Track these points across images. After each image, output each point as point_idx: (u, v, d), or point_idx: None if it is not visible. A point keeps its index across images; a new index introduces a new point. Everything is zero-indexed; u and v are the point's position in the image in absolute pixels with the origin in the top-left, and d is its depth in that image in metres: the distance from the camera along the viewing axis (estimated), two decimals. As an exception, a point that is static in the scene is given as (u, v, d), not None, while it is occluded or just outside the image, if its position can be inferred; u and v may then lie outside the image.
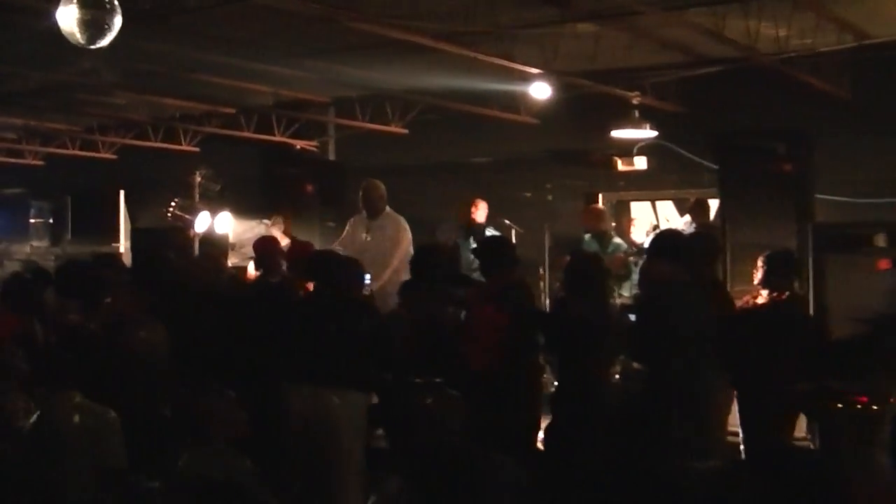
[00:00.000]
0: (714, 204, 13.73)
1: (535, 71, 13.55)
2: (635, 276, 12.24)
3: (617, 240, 13.83)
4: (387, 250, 11.63)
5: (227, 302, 9.29)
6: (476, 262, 13.07)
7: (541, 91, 14.46)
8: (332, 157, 19.36)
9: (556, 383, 8.52)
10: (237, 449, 5.88)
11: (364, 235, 11.90)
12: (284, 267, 10.12)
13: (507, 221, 14.80)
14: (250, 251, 10.91)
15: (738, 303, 9.12)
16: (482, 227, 14.29)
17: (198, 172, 15.22)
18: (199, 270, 9.62)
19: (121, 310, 9.25)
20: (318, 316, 8.36)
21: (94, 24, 8.15)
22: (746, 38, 12.21)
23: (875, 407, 7.37)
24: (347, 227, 12.44)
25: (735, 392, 8.90)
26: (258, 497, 5.75)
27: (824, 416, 8.18)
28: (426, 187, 18.20)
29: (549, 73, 13.71)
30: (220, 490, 5.53)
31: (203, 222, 14.41)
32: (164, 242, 14.36)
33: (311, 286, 9.02)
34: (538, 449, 8.31)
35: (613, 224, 15.76)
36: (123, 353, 8.88)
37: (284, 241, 12.62)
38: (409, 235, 11.93)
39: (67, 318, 9.43)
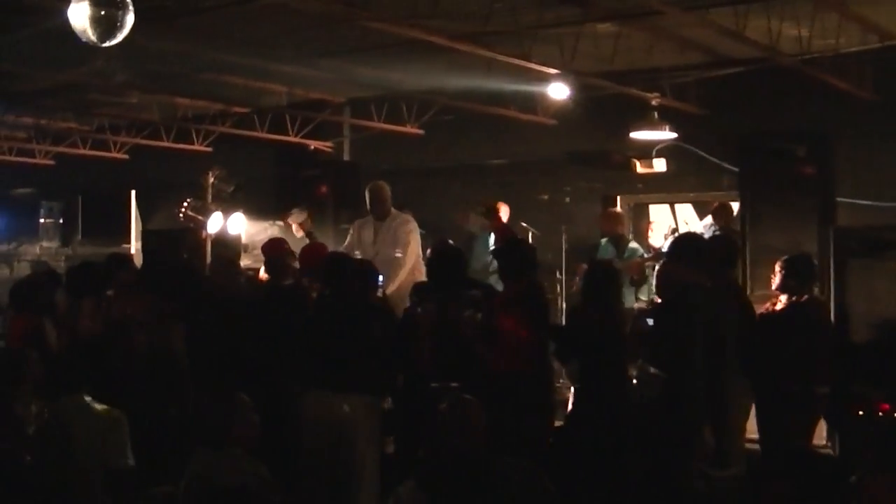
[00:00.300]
0: (734, 207, 13.72)
1: (553, 71, 13.56)
2: (652, 280, 12.26)
3: (633, 244, 13.84)
4: (396, 252, 11.61)
5: (241, 305, 9.33)
6: (494, 264, 13.15)
7: (559, 91, 14.48)
8: (346, 157, 19.37)
9: (571, 389, 8.54)
10: (250, 454, 5.91)
11: (372, 238, 11.89)
12: (297, 268, 10.16)
13: (523, 224, 14.82)
14: (263, 253, 10.93)
15: (759, 309, 9.13)
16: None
17: (210, 173, 15.23)
18: (213, 273, 9.65)
19: (129, 312, 9.30)
20: (332, 320, 8.39)
21: (105, 21, 8.18)
22: (768, 38, 12.21)
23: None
24: (352, 231, 12.41)
25: (754, 397, 8.92)
26: (271, 502, 5.79)
27: (846, 423, 8.21)
28: (442, 189, 18.23)
29: (568, 73, 13.72)
30: (232, 495, 5.57)
31: (216, 223, 14.43)
32: (176, 244, 14.41)
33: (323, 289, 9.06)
34: (551, 453, 8.32)
35: (631, 228, 15.78)
36: (127, 355, 8.97)
37: (300, 235, 12.66)
38: (418, 235, 11.93)
39: (77, 320, 9.48)
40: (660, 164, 16.15)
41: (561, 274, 14.28)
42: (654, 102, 14.76)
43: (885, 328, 8.83)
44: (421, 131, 17.62)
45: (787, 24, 12.05)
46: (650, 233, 14.15)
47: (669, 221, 15.55)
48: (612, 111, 15.82)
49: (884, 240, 10.16)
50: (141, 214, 19.29)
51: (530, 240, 14.31)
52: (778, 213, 11.44)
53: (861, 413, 8.29)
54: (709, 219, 13.80)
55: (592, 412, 8.00)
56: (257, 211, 16.41)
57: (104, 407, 6.92)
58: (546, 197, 17.49)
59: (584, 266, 13.13)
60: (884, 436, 6.77)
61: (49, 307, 10.13)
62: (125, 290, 9.60)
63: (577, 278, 12.16)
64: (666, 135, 15.29)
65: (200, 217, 14.53)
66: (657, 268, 8.80)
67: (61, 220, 22.63)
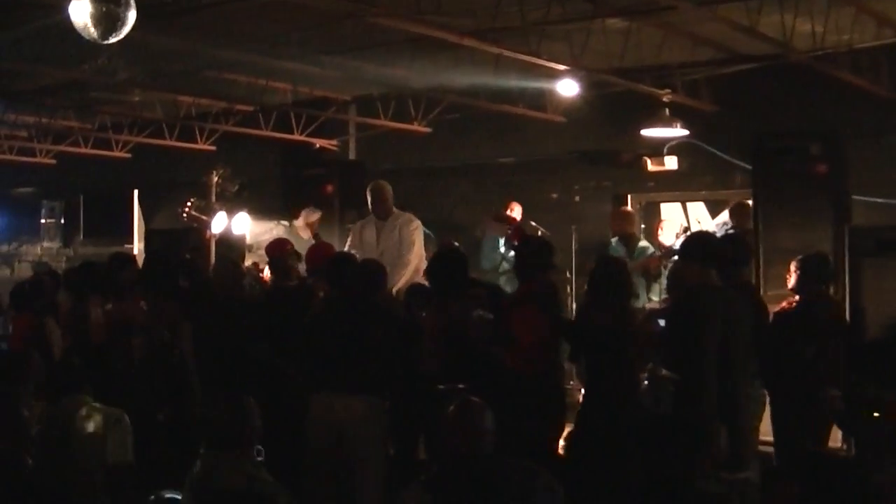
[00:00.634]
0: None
1: (562, 68, 13.56)
2: (664, 280, 12.26)
3: (643, 243, 13.85)
4: (401, 252, 11.60)
5: (244, 306, 9.34)
6: (504, 264, 13.15)
7: (568, 88, 14.49)
8: (352, 156, 19.38)
9: (582, 391, 8.53)
10: (253, 457, 5.91)
11: (375, 238, 11.86)
12: (302, 269, 10.17)
13: (532, 223, 14.83)
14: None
15: (773, 309, 9.12)
16: (514, 229, 14.39)
17: (214, 172, 15.28)
18: (216, 274, 9.67)
19: (130, 313, 9.32)
20: (336, 321, 8.40)
21: (107, 18, 8.20)
22: (781, 33, 12.20)
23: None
24: (353, 232, 12.38)
25: (768, 398, 8.92)
26: (275, 505, 5.80)
27: (860, 425, 8.19)
28: (449, 188, 18.25)
29: (578, 70, 13.72)
30: (236, 498, 5.58)
31: (220, 223, 14.47)
32: (180, 244, 14.44)
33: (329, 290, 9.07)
34: (562, 455, 8.33)
35: (643, 226, 15.77)
36: (128, 357, 8.99)
37: (306, 236, 12.67)
38: (423, 235, 11.92)
39: (82, 321, 9.51)
40: (671, 162, 16.15)
41: (571, 274, 14.27)
42: (665, 99, 14.75)
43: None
44: (427, 129, 17.62)
45: (801, 20, 12.04)
46: (660, 231, 14.14)
47: (681, 220, 15.52)
48: (622, 108, 15.82)
49: (899, 239, 10.17)
50: (144, 214, 19.31)
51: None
52: (791, 211, 11.42)
53: (876, 415, 8.28)
54: (721, 217, 13.80)
55: (599, 414, 7.99)
56: (262, 210, 16.45)
57: (106, 407, 6.95)
58: (555, 196, 17.49)
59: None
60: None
61: (50, 308, 10.16)
62: (128, 291, 9.62)
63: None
64: (677, 132, 15.28)
65: (204, 217, 14.57)
66: (669, 267, 8.80)
67: (63, 220, 22.67)
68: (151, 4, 10.62)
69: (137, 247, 18.20)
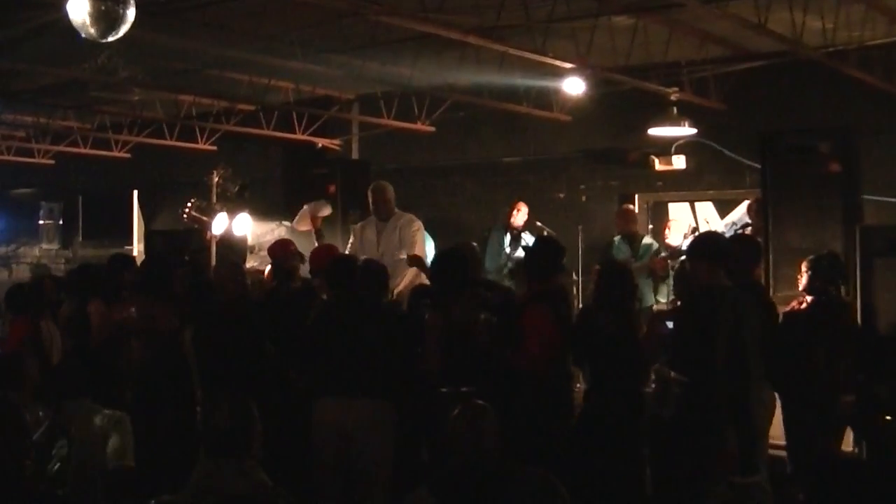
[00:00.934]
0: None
1: (568, 66, 13.54)
2: (671, 281, 12.26)
3: (647, 240, 13.86)
4: (403, 253, 11.58)
5: (246, 309, 9.33)
6: (509, 265, 13.14)
7: (575, 87, 14.49)
8: (355, 156, 19.38)
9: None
10: (255, 462, 5.91)
11: (375, 239, 11.83)
12: (305, 269, 10.17)
13: (538, 223, 14.85)
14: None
15: (783, 310, 9.11)
16: (519, 230, 14.40)
17: (215, 172, 15.27)
18: (217, 276, 9.66)
19: (130, 316, 9.32)
20: (340, 323, 8.40)
21: (106, 16, 8.19)
22: (791, 30, 12.18)
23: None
24: (354, 233, 12.36)
25: (778, 401, 8.91)
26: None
27: (872, 429, 8.19)
28: (454, 188, 18.26)
29: (584, 68, 13.71)
30: (238, 504, 5.58)
31: (221, 224, 14.46)
32: (181, 245, 14.44)
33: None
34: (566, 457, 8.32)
35: (650, 226, 15.77)
36: (129, 361, 8.99)
37: (306, 228, 12.68)
38: (424, 236, 11.91)
39: (83, 323, 9.52)
40: (679, 162, 16.14)
41: (577, 275, 14.28)
42: (673, 98, 14.73)
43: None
44: (432, 128, 17.60)
45: (811, 16, 12.03)
46: (668, 231, 14.14)
47: (689, 220, 15.53)
48: (629, 107, 15.81)
49: (911, 239, 10.16)
50: (144, 215, 19.33)
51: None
52: (801, 211, 11.41)
53: (889, 418, 8.28)
54: (731, 217, 13.78)
55: (598, 418, 8.00)
56: (264, 211, 16.45)
57: (107, 410, 6.95)
58: (561, 196, 17.49)
59: (597, 268, 13.21)
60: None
61: (48, 310, 10.17)
62: (128, 293, 9.63)
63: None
64: (685, 131, 15.27)
65: (205, 218, 14.57)
66: (676, 268, 8.79)
67: (61, 222, 22.70)
68: (151, 2, 10.64)
69: (137, 248, 18.21)
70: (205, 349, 8.92)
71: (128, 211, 19.51)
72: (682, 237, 13.53)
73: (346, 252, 11.78)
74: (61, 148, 21.44)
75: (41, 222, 22.85)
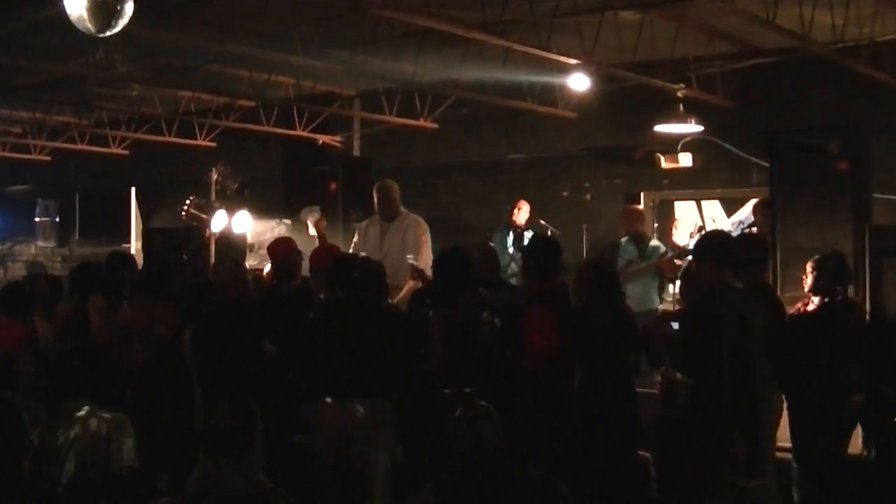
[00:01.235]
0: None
1: (573, 62, 13.55)
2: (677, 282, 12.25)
3: (655, 242, 13.84)
4: (406, 255, 11.49)
5: (246, 308, 9.34)
6: (512, 265, 13.13)
7: (580, 83, 14.49)
8: (356, 153, 19.38)
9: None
10: (254, 463, 5.92)
11: (379, 239, 11.75)
12: (306, 268, 10.16)
13: (542, 222, 14.86)
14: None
15: (789, 310, 9.11)
16: (522, 228, 14.39)
17: (214, 169, 15.27)
18: (216, 274, 9.66)
19: (129, 315, 9.33)
20: (340, 323, 8.41)
21: (103, 10, 8.20)
22: (799, 26, 12.19)
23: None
24: (358, 232, 12.30)
25: (785, 403, 8.91)
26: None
27: (882, 430, 8.18)
28: (457, 186, 18.28)
29: (589, 64, 13.71)
30: (239, 505, 5.59)
31: (220, 222, 14.46)
32: (179, 243, 14.44)
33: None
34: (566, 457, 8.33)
35: (656, 225, 15.77)
36: (129, 361, 8.99)
37: (314, 233, 12.69)
38: (429, 239, 11.82)
39: (83, 323, 9.52)
40: (685, 159, 16.15)
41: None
42: (679, 94, 14.74)
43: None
44: (434, 125, 17.61)
45: (820, 12, 12.05)
46: (674, 231, 14.14)
47: (696, 219, 15.53)
48: (635, 104, 15.82)
49: (921, 238, 10.16)
50: (141, 213, 19.36)
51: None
52: (810, 210, 11.40)
53: (897, 419, 8.28)
54: (737, 215, 13.78)
55: (596, 418, 8.03)
56: (264, 209, 16.44)
57: (109, 411, 6.96)
58: (566, 194, 17.51)
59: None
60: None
61: (42, 308, 10.18)
62: (129, 293, 9.63)
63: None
64: (692, 128, 15.27)
65: (204, 215, 14.57)
66: (682, 268, 8.79)
67: (58, 219, 22.72)
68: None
69: (135, 246, 18.24)
70: (204, 350, 8.92)
71: (125, 208, 19.55)
72: (689, 236, 13.52)
73: (351, 251, 11.77)
74: (58, 144, 21.47)
75: (37, 220, 22.86)
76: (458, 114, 17.20)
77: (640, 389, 8.81)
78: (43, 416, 7.15)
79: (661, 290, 13.30)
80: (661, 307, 12.79)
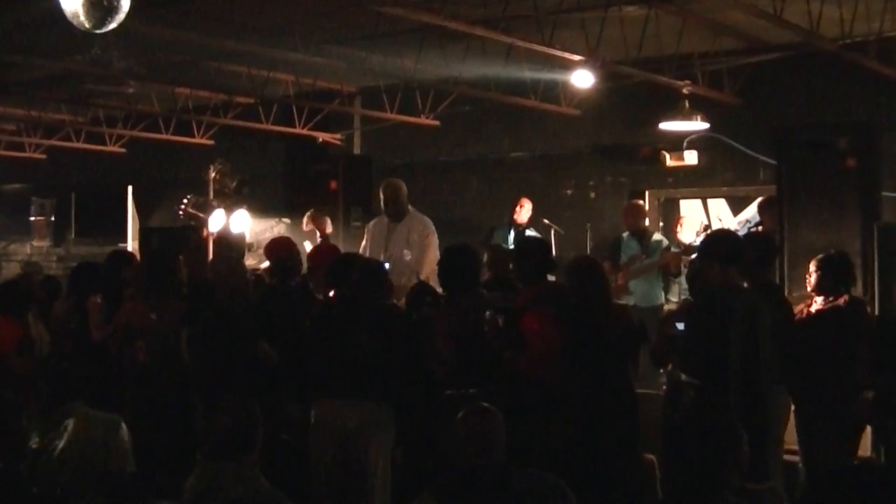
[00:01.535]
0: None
1: (577, 58, 13.55)
2: (683, 280, 12.24)
3: (657, 236, 13.83)
4: (414, 257, 11.48)
5: (244, 308, 9.34)
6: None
7: (583, 80, 14.45)
8: (357, 151, 19.37)
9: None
10: (253, 465, 5.93)
11: (384, 240, 11.72)
12: (305, 268, 10.17)
13: (545, 221, 14.86)
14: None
15: (795, 311, 9.11)
16: (524, 227, 14.39)
17: (212, 167, 15.30)
18: (215, 274, 9.67)
19: (129, 315, 9.33)
20: (339, 323, 8.41)
21: (99, 6, 8.19)
22: (807, 21, 12.19)
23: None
24: (367, 231, 12.27)
25: (792, 405, 8.90)
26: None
27: (890, 429, 8.19)
28: (459, 184, 18.26)
29: (593, 60, 13.70)
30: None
31: (218, 221, 14.48)
32: (177, 243, 14.45)
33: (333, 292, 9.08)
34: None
35: (661, 224, 15.77)
36: (130, 362, 8.99)
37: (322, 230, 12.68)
38: (437, 242, 11.77)
39: (78, 323, 9.53)
40: (691, 157, 16.14)
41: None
42: (685, 91, 14.72)
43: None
44: (436, 123, 17.61)
45: (828, 6, 12.04)
46: (679, 228, 14.13)
47: (701, 218, 15.52)
48: (640, 101, 15.83)
49: (932, 237, 10.15)
50: (138, 212, 19.37)
51: (553, 237, 14.36)
52: (818, 208, 11.39)
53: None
54: (744, 214, 13.77)
55: (587, 421, 8.04)
56: (262, 208, 16.46)
57: (103, 414, 6.96)
58: (570, 192, 17.49)
59: (607, 264, 13.21)
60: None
61: (36, 309, 10.19)
62: (131, 292, 9.63)
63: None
64: (698, 125, 15.26)
65: (202, 214, 14.59)
66: (688, 267, 8.78)
67: (53, 218, 22.72)
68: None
69: (132, 245, 18.24)
70: (201, 350, 8.93)
71: (122, 207, 19.55)
72: (695, 235, 13.52)
73: (360, 251, 11.76)
74: (53, 142, 21.47)
75: (32, 219, 22.86)
76: (461, 111, 17.21)
77: (644, 390, 8.83)
78: (38, 419, 7.14)
79: (667, 289, 13.30)
80: (666, 307, 12.79)
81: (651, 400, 8.71)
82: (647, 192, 16.45)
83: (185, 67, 16.18)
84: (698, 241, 11.32)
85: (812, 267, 8.98)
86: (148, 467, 7.15)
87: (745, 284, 7.95)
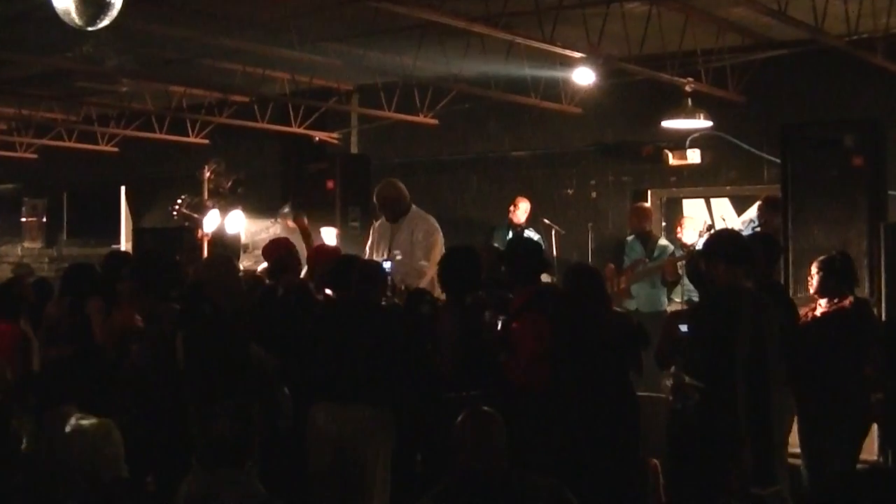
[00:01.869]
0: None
1: (578, 55, 13.54)
2: (688, 284, 12.24)
3: (663, 241, 13.84)
4: (416, 257, 11.46)
5: (241, 310, 9.33)
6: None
7: (585, 77, 14.47)
8: (354, 150, 19.36)
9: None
10: (249, 470, 5.93)
11: (387, 241, 11.70)
12: (303, 270, 10.17)
13: (546, 221, 14.85)
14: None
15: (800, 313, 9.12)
16: (522, 227, 14.38)
17: (207, 167, 15.28)
18: (212, 274, 9.66)
19: (126, 317, 9.32)
20: (339, 325, 8.41)
21: (92, 3, 8.19)
22: (812, 17, 12.18)
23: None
24: (372, 233, 12.26)
25: (796, 408, 8.91)
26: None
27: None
28: (458, 183, 18.25)
29: (595, 57, 13.70)
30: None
31: (213, 221, 14.47)
32: (171, 243, 14.44)
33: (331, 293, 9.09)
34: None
35: (664, 224, 15.77)
36: (127, 365, 8.98)
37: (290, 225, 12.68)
38: (441, 237, 11.75)
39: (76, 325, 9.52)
40: (694, 156, 16.13)
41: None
42: (688, 89, 14.72)
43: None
44: (435, 121, 17.60)
45: (834, 2, 12.05)
46: (681, 229, 14.13)
47: (705, 217, 15.52)
48: (642, 98, 15.84)
49: (940, 237, 10.15)
50: (132, 212, 19.36)
51: (553, 237, 14.37)
52: (824, 208, 11.39)
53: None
54: (747, 214, 13.75)
55: (586, 423, 8.05)
56: (258, 208, 16.45)
57: (95, 419, 6.96)
58: (571, 192, 17.48)
59: (611, 266, 13.21)
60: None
61: (27, 312, 10.18)
62: (128, 294, 9.62)
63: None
64: (701, 124, 15.25)
65: (196, 215, 14.58)
66: (686, 264, 8.79)
67: (45, 219, 22.75)
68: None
69: (125, 247, 18.23)
70: (195, 354, 8.92)
71: (115, 208, 19.55)
72: (698, 235, 13.51)
73: (366, 252, 11.75)
74: (45, 141, 21.43)
75: (23, 219, 22.89)
76: (460, 109, 17.19)
77: (647, 393, 8.84)
78: (29, 423, 7.14)
79: (671, 291, 13.30)
80: (670, 308, 12.80)
81: (654, 403, 8.71)
82: (649, 192, 16.46)
83: (180, 65, 16.18)
84: (701, 241, 11.33)
85: (814, 269, 9.00)
86: (142, 472, 7.16)
87: (750, 285, 7.95)
